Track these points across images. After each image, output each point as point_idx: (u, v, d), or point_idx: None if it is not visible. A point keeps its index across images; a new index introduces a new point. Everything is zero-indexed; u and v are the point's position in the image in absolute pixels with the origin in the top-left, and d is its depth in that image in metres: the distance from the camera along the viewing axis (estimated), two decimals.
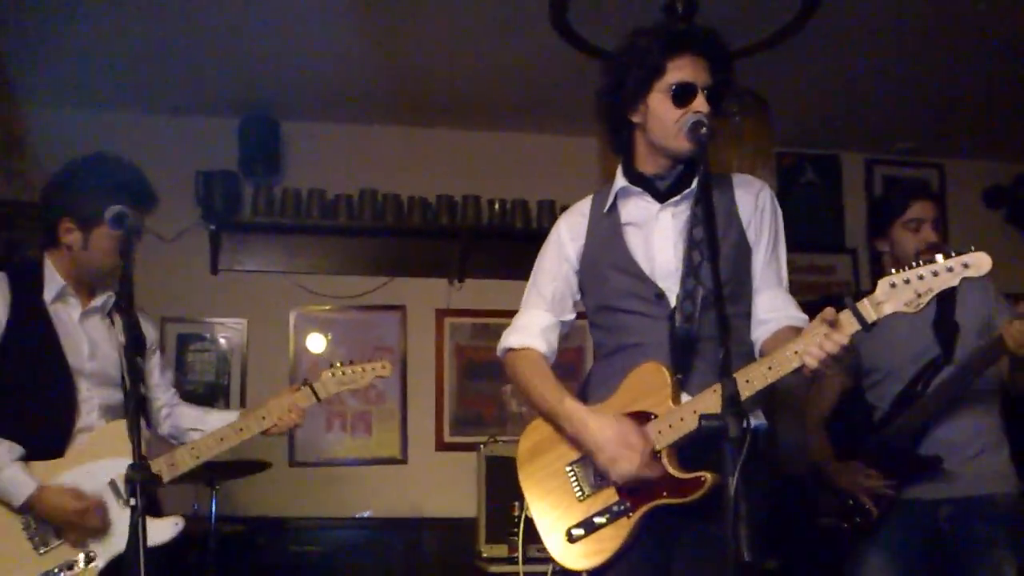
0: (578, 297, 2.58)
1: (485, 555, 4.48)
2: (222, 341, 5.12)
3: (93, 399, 2.67)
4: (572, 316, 2.60)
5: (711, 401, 2.18)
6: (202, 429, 2.89)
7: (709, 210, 2.05)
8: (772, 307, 2.42)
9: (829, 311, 2.10)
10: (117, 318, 2.85)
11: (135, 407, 2.09)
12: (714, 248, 2.01)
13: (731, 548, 1.69)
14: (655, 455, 2.28)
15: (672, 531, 2.34)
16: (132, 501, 2.03)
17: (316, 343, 5.28)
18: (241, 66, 4.76)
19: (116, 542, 2.59)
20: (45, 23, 4.31)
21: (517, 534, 3.46)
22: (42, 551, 2.58)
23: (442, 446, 5.25)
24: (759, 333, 2.41)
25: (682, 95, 2.32)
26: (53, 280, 2.71)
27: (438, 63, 4.76)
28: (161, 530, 2.65)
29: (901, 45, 4.58)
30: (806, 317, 2.39)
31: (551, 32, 4.40)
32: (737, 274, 2.37)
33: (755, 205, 2.46)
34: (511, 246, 5.32)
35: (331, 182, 5.27)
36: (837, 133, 5.70)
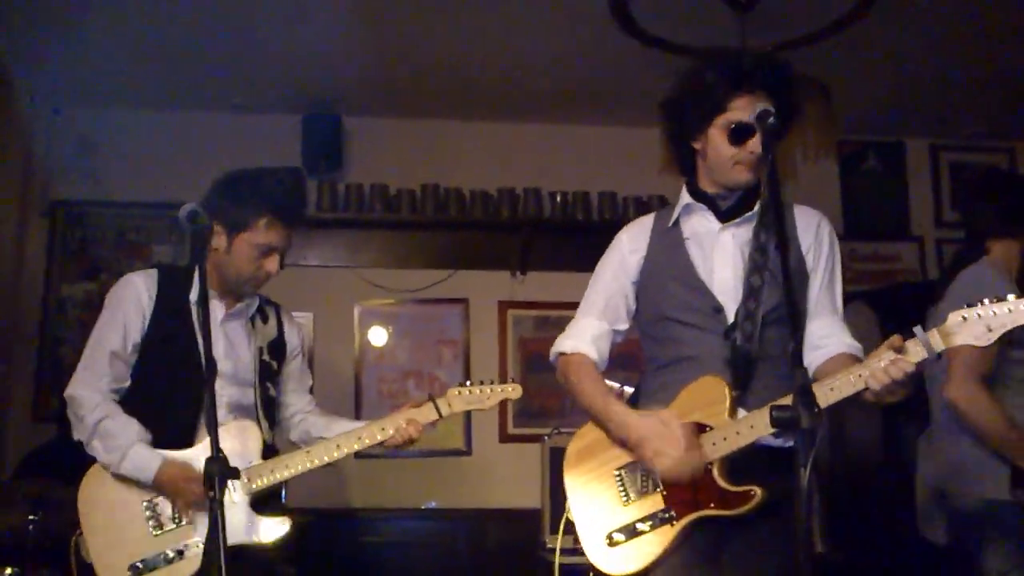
0: (633, 308, 2.62)
1: (550, 546, 4.49)
2: None
3: (223, 397, 2.73)
4: (625, 326, 2.63)
5: (768, 417, 2.17)
6: (327, 437, 2.91)
7: (781, 230, 2.06)
8: (826, 333, 2.46)
9: (896, 338, 2.14)
10: (259, 322, 2.95)
11: (212, 401, 2.15)
12: (785, 259, 2.01)
13: (803, 540, 1.70)
14: (706, 466, 2.31)
15: (719, 542, 2.36)
16: (211, 493, 2.09)
17: (380, 336, 5.34)
18: (302, 64, 4.82)
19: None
20: (109, 25, 4.41)
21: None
22: (156, 533, 2.66)
23: (506, 438, 5.29)
24: (812, 358, 2.43)
25: (739, 134, 2.39)
26: (200, 281, 2.78)
27: (498, 56, 4.78)
28: (270, 529, 2.73)
29: (966, 27, 4.49)
30: (860, 346, 2.43)
31: (611, 22, 4.39)
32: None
33: (815, 235, 2.51)
34: (573, 238, 5.35)
35: (393, 177, 5.32)
36: (901, 119, 5.61)
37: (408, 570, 5.07)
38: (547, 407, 5.28)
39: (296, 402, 3.06)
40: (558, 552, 2.82)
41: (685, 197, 2.56)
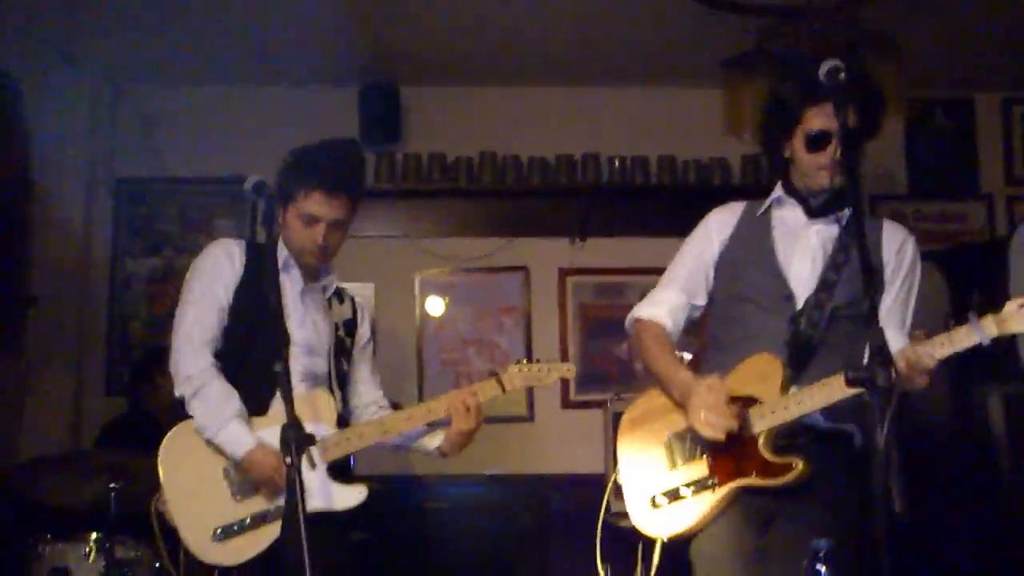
0: (712, 285, 2.74)
1: (614, 510, 4.49)
2: None
3: (297, 365, 2.75)
4: (703, 303, 2.76)
5: (818, 396, 2.35)
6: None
7: (860, 216, 2.15)
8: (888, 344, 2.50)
9: (917, 333, 2.30)
10: (336, 303, 3.00)
11: (286, 368, 2.19)
12: (863, 245, 2.06)
13: (880, 500, 1.71)
14: (753, 436, 2.43)
15: (765, 518, 2.48)
16: (288, 459, 2.13)
17: (441, 305, 5.38)
18: (359, 34, 4.82)
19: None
20: (169, 2, 4.45)
21: None
22: (238, 499, 2.72)
23: (568, 404, 5.29)
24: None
25: (816, 142, 2.53)
26: (281, 253, 2.84)
27: (555, 20, 4.74)
28: (347, 496, 2.79)
29: None
30: None
31: None
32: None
33: (897, 250, 2.61)
34: (632, 203, 5.33)
35: (451, 145, 5.32)
36: (970, 73, 5.44)
37: (471, 535, 5.10)
38: (609, 373, 5.27)
39: (369, 392, 3.10)
40: (602, 512, 2.91)
41: (778, 191, 2.69)
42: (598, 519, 4.54)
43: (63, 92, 5.02)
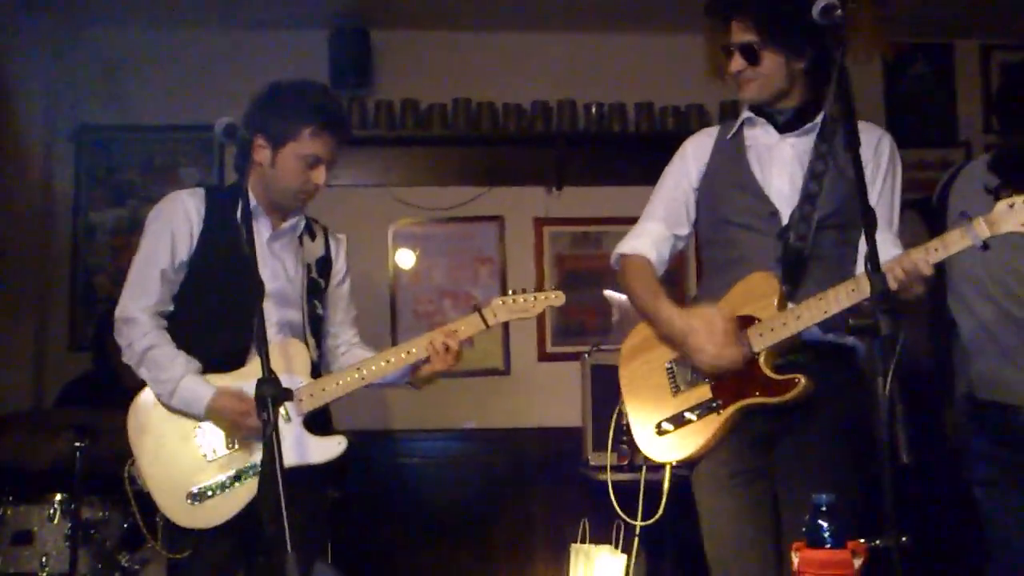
0: (694, 214, 2.75)
1: (592, 463, 4.47)
2: None
3: (271, 317, 2.67)
4: (686, 231, 2.76)
5: (816, 309, 2.35)
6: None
7: (853, 131, 2.07)
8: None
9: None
10: (307, 240, 2.89)
11: (261, 322, 2.10)
12: (857, 160, 2.04)
13: (886, 449, 1.69)
14: (753, 355, 2.42)
15: (769, 437, 2.51)
16: (264, 415, 2.05)
17: (415, 256, 5.29)
18: None
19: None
20: None
21: (624, 441, 3.48)
22: (211, 459, 2.66)
23: (544, 356, 5.25)
24: (860, 267, 2.47)
25: (727, 55, 2.57)
26: (243, 196, 2.69)
27: None
28: (324, 448, 2.72)
29: None
30: None
31: None
32: (850, 205, 2.41)
33: (874, 149, 2.58)
34: (609, 151, 5.24)
35: (424, 92, 5.20)
36: (951, 18, 5.38)
37: (447, 490, 5.10)
38: (586, 324, 5.22)
39: (342, 333, 3.02)
40: (609, 468, 2.88)
41: (747, 111, 2.68)
42: (574, 471, 4.54)
43: (22, 36, 4.85)
